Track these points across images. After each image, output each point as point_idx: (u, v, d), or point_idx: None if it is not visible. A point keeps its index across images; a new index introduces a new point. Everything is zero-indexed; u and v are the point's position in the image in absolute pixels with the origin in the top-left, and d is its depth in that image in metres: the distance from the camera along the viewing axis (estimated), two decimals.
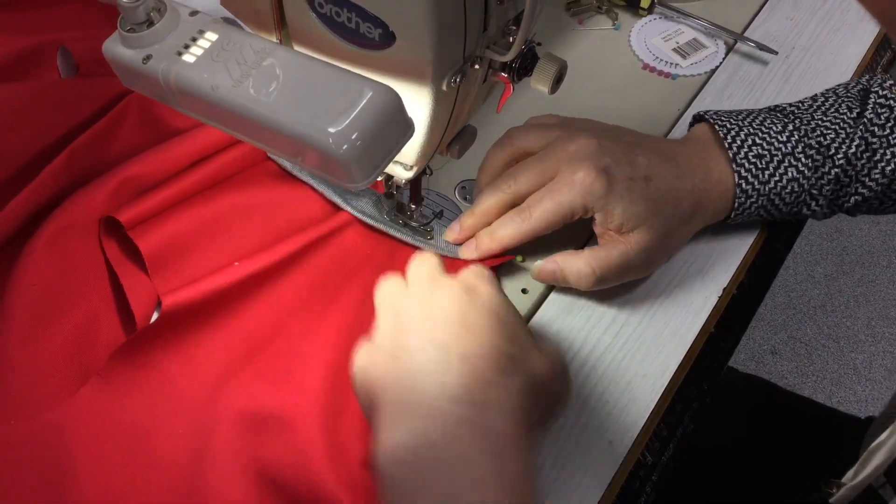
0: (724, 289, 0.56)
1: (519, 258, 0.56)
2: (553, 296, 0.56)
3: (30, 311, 0.47)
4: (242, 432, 0.45)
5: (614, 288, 0.55)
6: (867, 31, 0.74)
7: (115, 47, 0.42)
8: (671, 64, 0.70)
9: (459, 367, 0.39)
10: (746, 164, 0.53)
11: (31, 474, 0.42)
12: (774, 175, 0.53)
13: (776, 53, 0.71)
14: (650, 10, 0.73)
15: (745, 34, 0.72)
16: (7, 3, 0.62)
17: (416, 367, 0.39)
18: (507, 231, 0.52)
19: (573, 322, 0.54)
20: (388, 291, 0.46)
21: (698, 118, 0.58)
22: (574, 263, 0.52)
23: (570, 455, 0.49)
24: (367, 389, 0.41)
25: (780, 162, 0.53)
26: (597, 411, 0.51)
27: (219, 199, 0.55)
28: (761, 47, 0.70)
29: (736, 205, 0.54)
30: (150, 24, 0.41)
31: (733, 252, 0.58)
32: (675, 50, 0.71)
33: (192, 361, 0.47)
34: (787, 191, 0.54)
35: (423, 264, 0.46)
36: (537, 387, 0.41)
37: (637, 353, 0.53)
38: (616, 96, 0.68)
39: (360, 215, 0.55)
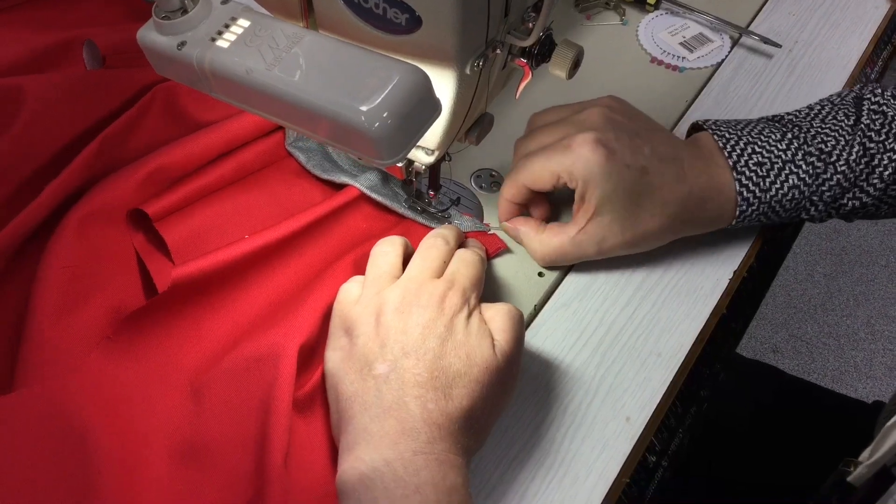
0: (735, 271, 0.58)
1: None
2: (569, 279, 0.57)
3: (61, 293, 0.48)
4: (239, 383, 0.46)
5: (629, 270, 0.57)
6: (867, 26, 0.76)
7: (150, 34, 0.43)
8: (678, 57, 0.71)
9: (414, 402, 0.42)
10: (747, 173, 0.53)
11: (48, 436, 0.43)
12: (775, 182, 0.53)
13: (780, 47, 0.72)
14: (657, 6, 0.75)
15: (750, 28, 0.74)
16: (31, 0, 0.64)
17: (381, 396, 0.42)
18: (506, 183, 0.55)
19: (589, 303, 0.56)
20: (376, 281, 0.47)
21: (696, 127, 0.58)
22: (530, 242, 0.56)
23: (588, 431, 0.50)
24: (336, 400, 0.44)
25: (781, 170, 0.53)
26: (614, 389, 0.52)
27: (242, 194, 0.56)
28: (765, 41, 0.72)
29: (738, 213, 0.54)
30: (184, 11, 0.42)
31: (743, 235, 0.60)
32: (681, 44, 0.73)
33: (199, 332, 0.49)
34: (787, 198, 0.53)
35: (424, 263, 0.47)
36: (482, 393, 0.43)
37: (652, 333, 0.54)
38: (625, 89, 0.69)
39: (375, 195, 0.56)
